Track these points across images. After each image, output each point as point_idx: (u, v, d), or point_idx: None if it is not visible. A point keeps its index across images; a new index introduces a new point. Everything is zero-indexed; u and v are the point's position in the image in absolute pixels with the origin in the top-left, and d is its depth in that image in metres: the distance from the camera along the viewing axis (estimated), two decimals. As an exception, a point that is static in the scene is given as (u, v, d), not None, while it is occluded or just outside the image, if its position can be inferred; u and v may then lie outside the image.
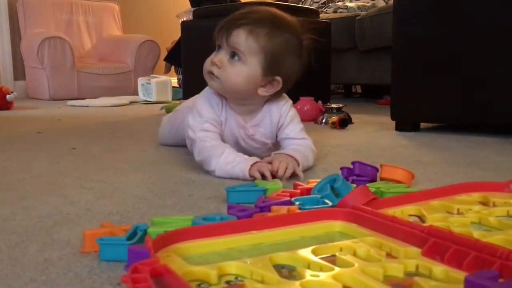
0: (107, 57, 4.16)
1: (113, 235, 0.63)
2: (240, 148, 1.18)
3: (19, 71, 3.94)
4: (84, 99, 3.41)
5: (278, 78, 1.10)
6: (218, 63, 1.08)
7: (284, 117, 1.17)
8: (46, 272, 0.57)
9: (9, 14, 3.89)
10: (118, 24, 4.40)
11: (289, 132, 1.18)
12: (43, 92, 3.72)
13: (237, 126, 1.18)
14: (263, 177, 1.01)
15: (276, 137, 1.20)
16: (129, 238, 0.60)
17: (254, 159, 1.07)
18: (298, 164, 1.07)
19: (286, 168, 1.03)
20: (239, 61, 1.07)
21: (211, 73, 1.10)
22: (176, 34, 3.21)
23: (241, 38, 1.06)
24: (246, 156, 1.09)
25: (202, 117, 1.14)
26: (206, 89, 1.19)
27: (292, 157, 1.07)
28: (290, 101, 1.21)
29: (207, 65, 1.11)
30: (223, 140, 1.15)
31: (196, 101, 1.19)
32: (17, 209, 0.84)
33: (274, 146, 1.23)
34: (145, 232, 0.62)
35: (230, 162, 1.07)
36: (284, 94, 1.20)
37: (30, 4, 3.90)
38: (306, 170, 1.12)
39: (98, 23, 4.28)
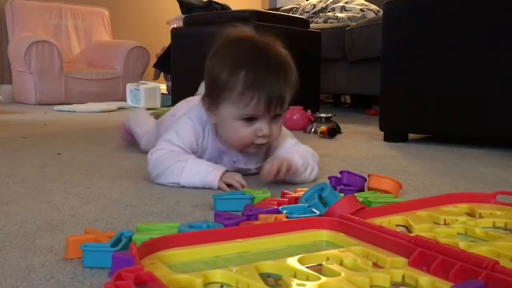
0: (95, 63, 4.14)
1: (97, 241, 0.62)
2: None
3: (5, 75, 3.90)
4: (71, 104, 3.39)
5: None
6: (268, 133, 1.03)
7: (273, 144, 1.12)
8: (28, 279, 0.56)
9: (-3, 17, 3.87)
10: (107, 29, 4.38)
11: (281, 150, 1.12)
12: (30, 96, 3.69)
13: (219, 154, 1.12)
14: (229, 186, 1.01)
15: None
16: (114, 244, 0.60)
17: (222, 168, 1.04)
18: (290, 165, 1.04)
19: (280, 167, 1.01)
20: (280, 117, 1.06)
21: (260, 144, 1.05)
22: (166, 41, 3.21)
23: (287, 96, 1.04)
24: (214, 165, 1.05)
25: (178, 138, 1.09)
26: (193, 110, 1.12)
27: (286, 158, 1.05)
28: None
29: (252, 139, 1.04)
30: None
31: (179, 120, 1.14)
32: (-1, 214, 0.83)
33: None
34: (130, 239, 0.62)
35: (196, 173, 1.02)
36: None
37: (19, 8, 3.87)
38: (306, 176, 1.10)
39: (87, 28, 4.26)
